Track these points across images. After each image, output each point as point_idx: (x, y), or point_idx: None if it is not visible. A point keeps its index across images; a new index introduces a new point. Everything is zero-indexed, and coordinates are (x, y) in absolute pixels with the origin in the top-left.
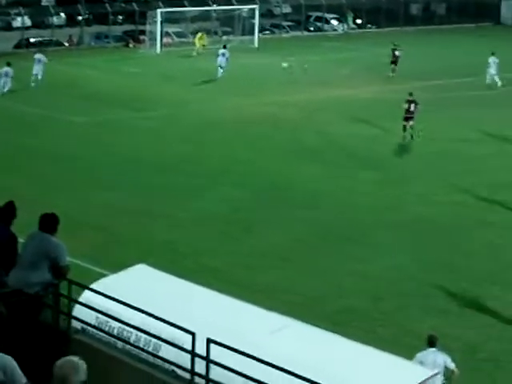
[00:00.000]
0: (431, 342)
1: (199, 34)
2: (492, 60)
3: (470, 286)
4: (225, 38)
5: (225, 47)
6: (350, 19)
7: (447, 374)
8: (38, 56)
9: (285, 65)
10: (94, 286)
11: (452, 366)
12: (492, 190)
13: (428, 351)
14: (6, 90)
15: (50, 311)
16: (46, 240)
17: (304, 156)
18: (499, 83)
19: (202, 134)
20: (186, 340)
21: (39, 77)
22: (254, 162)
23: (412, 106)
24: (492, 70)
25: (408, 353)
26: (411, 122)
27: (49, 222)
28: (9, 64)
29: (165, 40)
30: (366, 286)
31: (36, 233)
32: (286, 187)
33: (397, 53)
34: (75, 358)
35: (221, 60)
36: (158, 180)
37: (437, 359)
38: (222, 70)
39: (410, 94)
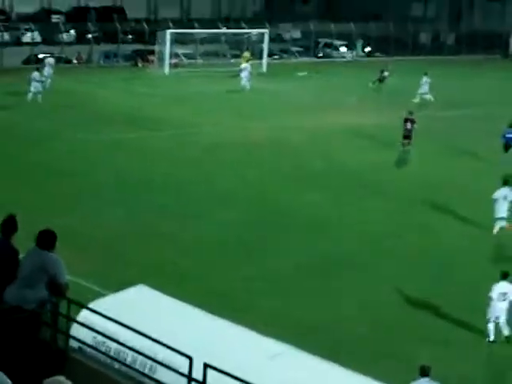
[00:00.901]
0: (424, 372)
1: (245, 54)
2: (424, 80)
3: (472, 318)
4: (233, 61)
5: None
6: (359, 46)
7: None
8: (49, 60)
9: (301, 74)
10: (92, 305)
11: None
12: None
13: (421, 381)
14: (34, 92)
15: (48, 329)
16: (43, 256)
17: (308, 181)
18: (432, 99)
19: (208, 157)
20: (183, 363)
21: (49, 80)
22: (259, 186)
23: (408, 124)
24: (422, 90)
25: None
26: (409, 140)
27: (46, 239)
28: (38, 69)
29: (174, 61)
30: (366, 315)
31: (33, 249)
32: (290, 213)
33: (385, 73)
34: (62, 378)
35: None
36: (162, 200)
37: None
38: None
39: (410, 113)
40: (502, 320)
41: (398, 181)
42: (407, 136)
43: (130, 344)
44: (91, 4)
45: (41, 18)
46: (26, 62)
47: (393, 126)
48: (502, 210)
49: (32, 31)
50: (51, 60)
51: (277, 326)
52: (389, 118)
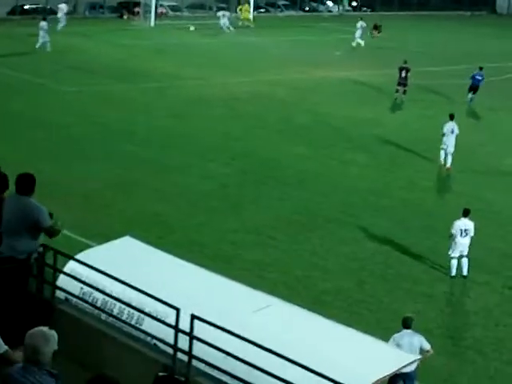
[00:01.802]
0: (406, 324)
1: (240, 6)
2: (360, 24)
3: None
4: (220, 13)
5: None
6: (345, 1)
7: (422, 354)
8: (43, 24)
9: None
10: (79, 256)
11: (428, 346)
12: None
13: (404, 333)
14: (42, 42)
15: (34, 280)
16: (23, 203)
17: (294, 136)
18: (362, 44)
19: (192, 110)
20: (169, 314)
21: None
22: (244, 140)
23: (403, 72)
24: (357, 34)
25: (390, 335)
26: (404, 88)
27: (25, 183)
28: (45, 19)
29: (159, 11)
30: (351, 267)
31: (13, 196)
32: (275, 166)
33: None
34: (45, 328)
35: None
36: (146, 153)
37: (413, 341)
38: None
39: (405, 62)
40: (465, 254)
41: (382, 137)
42: (403, 84)
43: (117, 295)
44: None
45: None
46: (11, 12)
47: (377, 82)
48: (451, 145)
49: None
50: (44, 24)
51: (262, 277)
52: (374, 72)
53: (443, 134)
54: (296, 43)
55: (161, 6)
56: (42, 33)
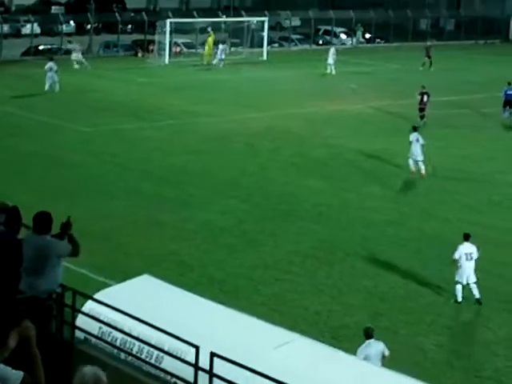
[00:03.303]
0: (369, 334)
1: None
2: (332, 51)
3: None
4: (233, 49)
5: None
6: (359, 33)
7: (384, 359)
8: (50, 64)
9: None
10: (97, 295)
11: (387, 352)
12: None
13: (368, 343)
14: (50, 84)
15: (53, 321)
16: (42, 243)
17: (310, 169)
18: (333, 72)
19: (208, 146)
20: (189, 352)
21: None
22: (260, 175)
23: (425, 97)
24: (330, 60)
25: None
26: (424, 112)
27: (42, 222)
28: (52, 59)
29: (173, 49)
30: (372, 301)
31: (30, 235)
32: (292, 200)
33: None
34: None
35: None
36: (163, 191)
37: (378, 349)
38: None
39: (423, 87)
40: (472, 280)
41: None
42: (422, 108)
43: (136, 334)
44: None
45: (40, 10)
46: (26, 53)
47: (392, 113)
48: (417, 153)
49: (32, 23)
50: (51, 64)
51: (282, 313)
52: (389, 103)
53: (410, 142)
54: (310, 77)
55: (175, 43)
56: (49, 74)
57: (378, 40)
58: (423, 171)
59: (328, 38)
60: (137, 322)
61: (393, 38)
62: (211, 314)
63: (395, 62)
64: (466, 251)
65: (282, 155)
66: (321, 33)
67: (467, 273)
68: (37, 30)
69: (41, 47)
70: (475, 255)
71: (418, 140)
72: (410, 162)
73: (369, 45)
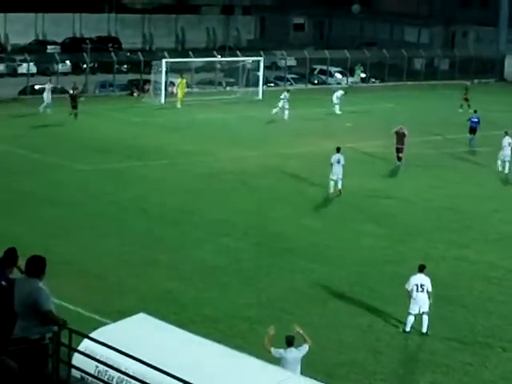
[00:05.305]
0: (291, 343)
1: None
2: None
3: (472, 342)
4: (229, 88)
5: None
6: (358, 72)
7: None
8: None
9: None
10: (94, 334)
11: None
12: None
13: (290, 350)
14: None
15: (49, 360)
16: (29, 286)
17: (306, 208)
18: (338, 112)
19: (203, 185)
20: None
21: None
22: (256, 214)
23: (403, 137)
24: (335, 100)
25: None
26: (401, 154)
27: (34, 266)
28: (50, 80)
29: (169, 89)
30: (367, 339)
31: (22, 278)
32: (288, 239)
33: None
34: None
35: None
36: (158, 230)
37: (297, 356)
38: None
39: (400, 128)
40: (425, 311)
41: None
42: (399, 148)
43: (132, 373)
44: (86, 34)
45: (36, 49)
46: (22, 92)
47: (388, 153)
48: (336, 172)
49: (28, 62)
50: (49, 86)
51: None
52: (384, 143)
53: (331, 164)
54: (306, 116)
55: (171, 83)
56: (45, 94)
57: (373, 79)
58: (340, 187)
59: (323, 77)
60: (133, 361)
61: (388, 78)
62: (208, 352)
63: (390, 101)
64: (418, 282)
65: (278, 194)
66: (316, 72)
67: (419, 304)
68: (33, 69)
69: (37, 87)
70: (428, 287)
71: (339, 161)
72: (331, 183)
73: (364, 84)
